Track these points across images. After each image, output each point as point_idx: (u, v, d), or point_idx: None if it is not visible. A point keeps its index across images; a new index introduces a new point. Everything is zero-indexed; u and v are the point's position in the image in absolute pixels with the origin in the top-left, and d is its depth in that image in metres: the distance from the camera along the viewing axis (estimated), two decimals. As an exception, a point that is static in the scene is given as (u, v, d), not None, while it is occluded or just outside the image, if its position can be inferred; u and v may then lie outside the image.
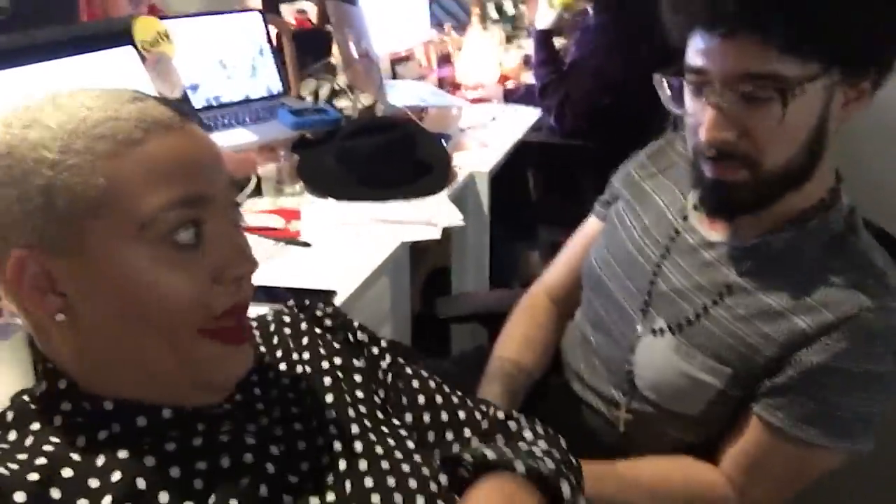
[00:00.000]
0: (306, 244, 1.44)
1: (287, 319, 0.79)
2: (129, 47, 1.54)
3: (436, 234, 1.53)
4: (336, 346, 0.77)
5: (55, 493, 0.54)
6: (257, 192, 1.66)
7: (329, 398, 0.71)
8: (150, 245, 0.55)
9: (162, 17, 1.73)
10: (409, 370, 0.81)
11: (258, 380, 0.71)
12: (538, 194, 2.49)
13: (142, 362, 0.58)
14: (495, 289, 2.15)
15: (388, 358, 0.81)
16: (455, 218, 1.60)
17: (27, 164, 0.54)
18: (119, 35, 1.52)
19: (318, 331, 0.78)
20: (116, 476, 0.56)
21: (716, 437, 0.99)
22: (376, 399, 0.76)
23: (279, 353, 0.75)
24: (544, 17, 2.38)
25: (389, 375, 0.79)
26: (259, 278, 1.28)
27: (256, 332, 0.77)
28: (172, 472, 0.58)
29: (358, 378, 0.75)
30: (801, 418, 0.90)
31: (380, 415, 0.74)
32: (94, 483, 0.55)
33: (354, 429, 0.69)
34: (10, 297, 0.57)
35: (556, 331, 1.23)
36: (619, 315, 1.07)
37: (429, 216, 1.57)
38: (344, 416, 0.70)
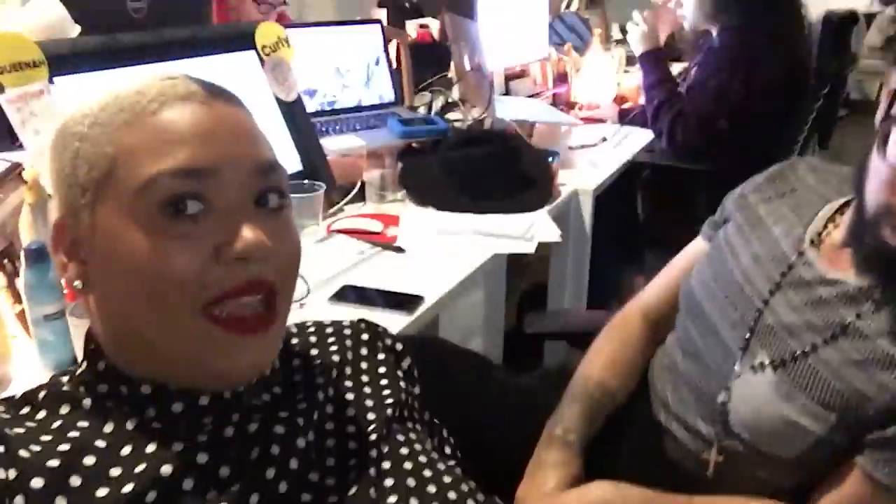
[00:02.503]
0: (400, 249, 1.46)
1: (349, 332, 0.78)
2: (251, 51, 1.61)
3: (530, 249, 1.51)
4: (395, 368, 0.77)
5: (75, 481, 0.53)
6: (360, 196, 1.70)
7: (371, 415, 0.71)
8: (146, 213, 0.54)
9: (287, 26, 1.80)
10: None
11: (304, 380, 0.70)
12: (647, 217, 2.42)
13: (144, 336, 0.57)
14: (592, 309, 2.10)
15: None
16: (552, 234, 1.57)
17: (66, 138, 0.58)
18: (243, 39, 1.59)
19: (379, 353, 0.78)
20: (141, 467, 0.55)
21: (809, 484, 0.92)
22: (418, 426, 0.75)
23: (332, 361, 0.75)
24: (639, 40, 2.34)
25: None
26: (349, 279, 1.31)
27: (314, 338, 0.76)
28: (200, 459, 0.58)
29: (406, 400, 0.75)
30: None
31: (419, 437, 0.73)
32: (115, 471, 0.55)
33: (387, 444, 0.69)
34: (63, 265, 0.60)
35: (646, 352, 1.17)
36: (716, 345, 1.01)
37: (525, 230, 1.55)
38: (384, 429, 0.70)
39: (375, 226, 1.55)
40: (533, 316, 1.47)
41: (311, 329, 0.78)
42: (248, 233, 0.55)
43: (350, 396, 0.72)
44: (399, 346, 0.80)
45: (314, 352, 0.75)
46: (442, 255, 1.45)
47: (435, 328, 1.53)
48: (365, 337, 0.78)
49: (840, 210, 0.99)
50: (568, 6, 3.57)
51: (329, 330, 0.78)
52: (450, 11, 2.34)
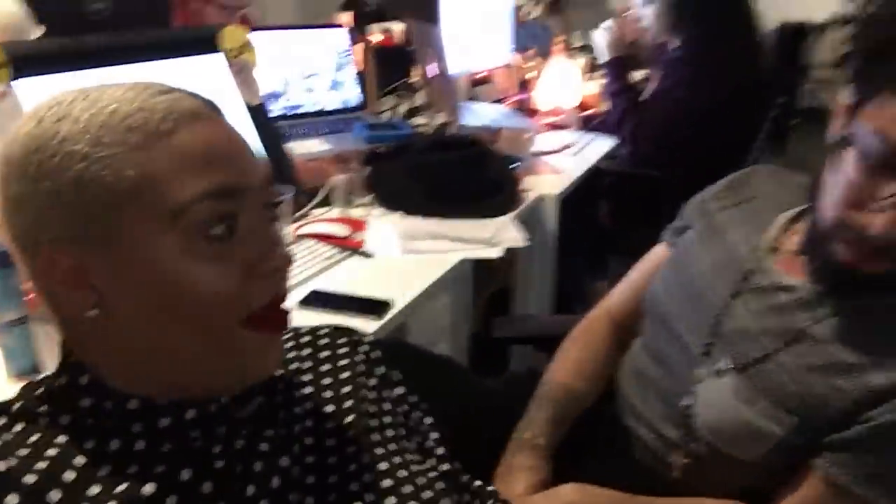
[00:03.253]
0: (368, 254, 1.46)
1: (326, 341, 0.78)
2: (220, 54, 1.60)
3: (496, 255, 1.52)
4: (370, 376, 0.77)
5: (53, 497, 0.52)
6: (326, 201, 1.70)
7: (350, 426, 0.71)
8: (181, 236, 0.54)
9: (252, 29, 1.79)
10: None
11: (284, 390, 0.70)
12: (610, 223, 2.45)
13: (176, 354, 0.57)
14: (558, 314, 2.12)
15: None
16: (518, 239, 1.58)
17: (58, 159, 0.53)
18: (208, 42, 1.57)
19: (357, 359, 0.77)
20: (122, 486, 0.55)
21: (771, 485, 0.94)
22: (402, 431, 0.75)
23: (309, 370, 0.75)
24: (605, 48, 2.38)
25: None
26: (317, 284, 1.30)
27: (291, 343, 0.77)
28: (184, 476, 0.57)
29: (385, 407, 0.75)
30: (867, 477, 0.85)
31: (402, 444, 0.73)
32: (95, 490, 0.54)
33: (367, 456, 0.69)
34: (41, 292, 0.57)
35: (613, 357, 1.19)
36: (680, 350, 1.03)
37: (492, 236, 1.56)
38: (364, 440, 0.70)
39: (342, 230, 1.55)
40: (501, 320, 1.48)
41: (289, 335, 0.77)
42: (278, 249, 0.58)
43: (329, 408, 0.71)
44: (377, 353, 0.80)
45: (292, 357, 0.75)
46: (410, 259, 1.45)
47: (403, 333, 1.54)
48: (342, 341, 0.78)
49: (796, 218, 1.01)
50: (530, 14, 3.60)
51: (307, 339, 0.77)
52: (414, 17, 2.35)
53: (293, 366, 0.74)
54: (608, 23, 2.42)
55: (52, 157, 0.53)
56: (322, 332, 0.79)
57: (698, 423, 0.98)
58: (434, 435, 0.80)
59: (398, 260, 1.45)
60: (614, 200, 2.44)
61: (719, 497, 0.98)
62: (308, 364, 0.75)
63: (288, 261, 0.59)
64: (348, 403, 0.72)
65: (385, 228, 1.58)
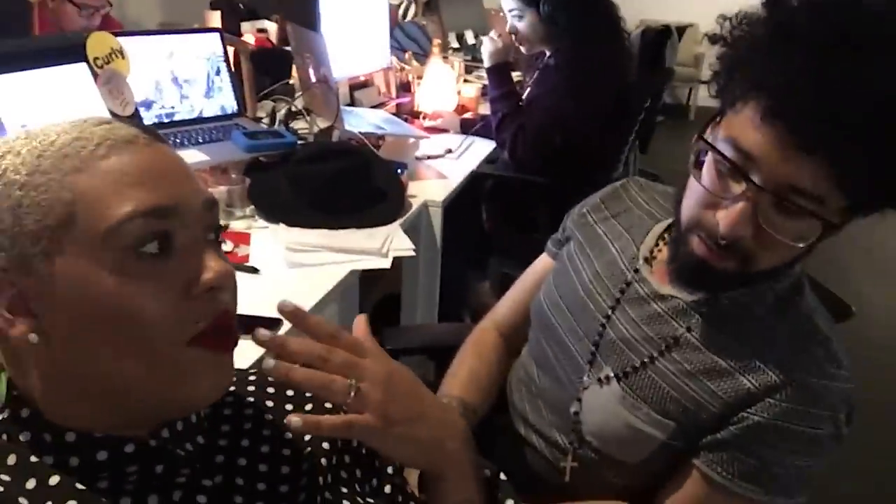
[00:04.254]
0: (255, 270, 1.43)
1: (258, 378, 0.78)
2: (83, 64, 1.51)
3: (386, 264, 1.53)
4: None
5: None
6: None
7: (305, 465, 0.71)
8: (115, 256, 0.55)
9: (118, 34, 1.71)
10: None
11: (230, 429, 0.70)
12: (490, 226, 2.50)
13: (118, 379, 0.57)
14: (444, 319, 2.15)
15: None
16: (406, 248, 1.60)
17: None
18: (73, 50, 1.49)
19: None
20: None
21: (656, 485, 1.00)
22: (357, 473, 0.76)
23: (269, 408, 0.74)
24: (489, 54, 2.42)
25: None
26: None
27: (252, 387, 0.76)
28: (123, 502, 0.58)
29: (344, 447, 0.75)
30: (741, 474, 0.91)
31: (357, 487, 0.74)
32: None
33: (320, 500, 0.69)
34: None
35: (503, 367, 1.23)
36: (566, 359, 1.08)
37: (380, 245, 1.56)
38: (315, 484, 0.70)
39: (225, 245, 1.50)
40: (390, 331, 1.49)
41: (252, 378, 0.77)
42: (215, 264, 0.58)
43: (287, 451, 0.71)
44: None
45: (250, 399, 0.74)
46: (298, 273, 1.44)
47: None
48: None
49: (668, 229, 1.07)
50: (405, 15, 3.61)
51: (252, 377, 0.77)
52: (290, 21, 2.31)
53: (250, 404, 0.73)
54: (493, 33, 2.47)
55: None
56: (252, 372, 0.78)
57: (585, 429, 1.02)
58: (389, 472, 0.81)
59: (285, 274, 1.43)
60: (494, 204, 2.50)
61: (608, 498, 1.03)
62: (269, 403, 0.75)
63: (228, 278, 0.59)
64: (306, 450, 0.72)
65: (270, 241, 1.56)
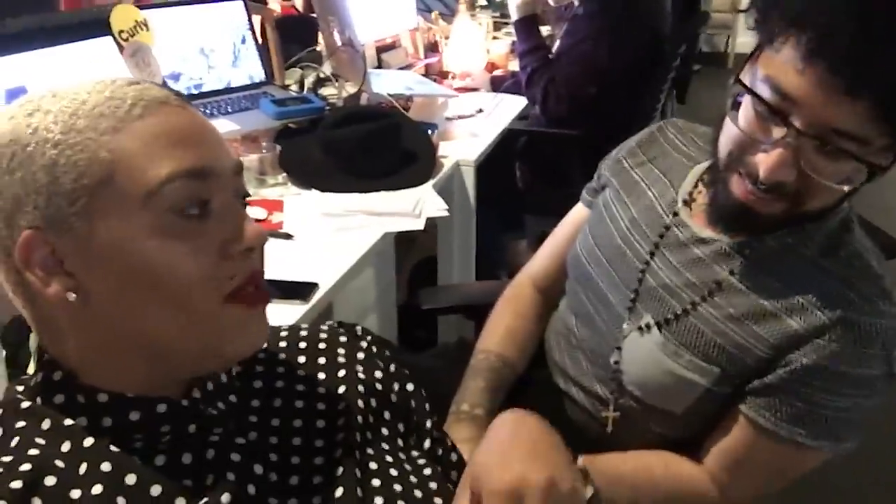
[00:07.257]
0: (289, 236, 1.43)
1: (324, 335, 0.77)
2: (108, 38, 1.51)
3: (419, 226, 1.52)
4: (370, 372, 0.76)
5: (37, 503, 0.53)
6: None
7: (341, 420, 0.70)
8: (155, 216, 0.55)
9: (142, 6, 1.70)
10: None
11: (262, 387, 0.70)
12: (525, 184, 2.48)
13: (156, 336, 0.57)
14: (482, 279, 2.14)
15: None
16: (439, 208, 1.58)
17: (31, 148, 0.55)
18: (97, 24, 1.49)
19: (360, 362, 0.76)
20: (98, 489, 0.55)
21: (701, 433, 0.99)
22: (399, 427, 0.75)
23: (304, 367, 0.74)
24: (516, 7, 2.37)
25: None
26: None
27: (284, 343, 0.76)
28: (157, 461, 0.59)
29: (381, 403, 0.75)
30: (789, 418, 0.89)
31: (399, 443, 0.74)
32: (76, 494, 0.55)
33: (353, 460, 0.68)
34: (18, 284, 0.58)
35: (540, 322, 1.21)
36: (605, 309, 1.06)
37: (413, 207, 1.55)
38: (352, 439, 0.69)
39: (259, 213, 1.51)
40: (427, 291, 1.48)
41: (284, 334, 0.77)
42: (250, 227, 0.59)
43: (321, 406, 0.71)
44: (378, 348, 0.79)
45: (282, 356, 0.74)
46: (332, 237, 1.43)
47: (329, 313, 1.52)
48: (343, 340, 0.77)
49: (708, 171, 1.04)
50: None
51: (303, 334, 0.77)
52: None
53: (283, 362, 0.74)
54: None
55: (25, 147, 0.55)
56: (323, 328, 0.79)
57: (626, 379, 1.01)
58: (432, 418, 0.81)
59: (320, 239, 1.43)
60: (528, 161, 2.46)
61: (651, 449, 1.01)
62: (304, 362, 0.75)
63: (263, 240, 0.61)
64: (341, 406, 0.71)
65: (303, 207, 1.55)
